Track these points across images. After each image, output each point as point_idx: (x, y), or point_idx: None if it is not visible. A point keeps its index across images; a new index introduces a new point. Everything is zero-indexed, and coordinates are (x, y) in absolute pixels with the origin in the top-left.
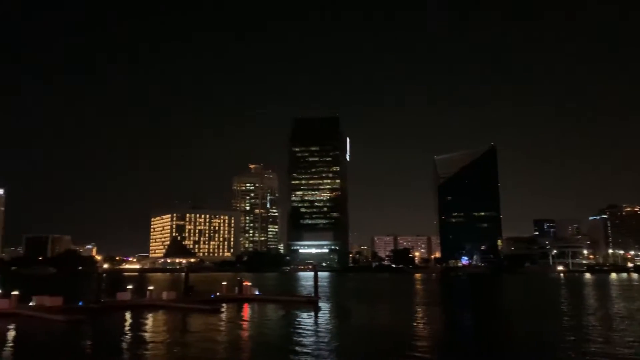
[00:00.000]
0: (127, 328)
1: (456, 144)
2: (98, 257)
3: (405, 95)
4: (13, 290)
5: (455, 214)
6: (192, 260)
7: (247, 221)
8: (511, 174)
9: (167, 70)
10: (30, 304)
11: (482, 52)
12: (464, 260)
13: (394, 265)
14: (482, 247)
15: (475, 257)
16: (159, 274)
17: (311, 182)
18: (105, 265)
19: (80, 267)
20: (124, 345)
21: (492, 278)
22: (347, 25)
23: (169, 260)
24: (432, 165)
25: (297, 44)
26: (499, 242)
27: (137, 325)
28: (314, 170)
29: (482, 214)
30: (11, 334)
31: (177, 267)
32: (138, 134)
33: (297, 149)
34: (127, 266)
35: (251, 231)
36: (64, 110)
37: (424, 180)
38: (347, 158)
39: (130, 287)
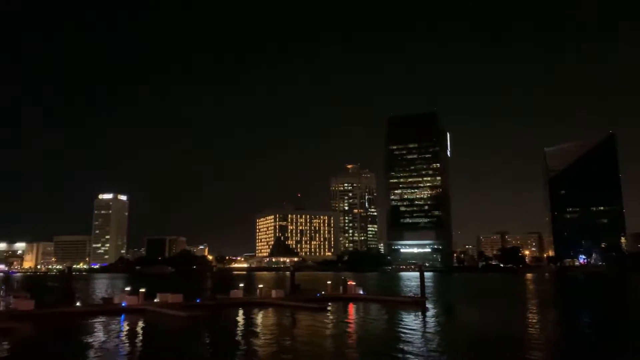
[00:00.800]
0: (240, 324)
1: (568, 134)
2: (210, 257)
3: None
4: (140, 288)
5: (570, 209)
6: (295, 259)
7: (347, 221)
8: (636, 164)
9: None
10: (155, 300)
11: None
12: (581, 259)
13: (502, 265)
14: (602, 245)
15: (594, 255)
16: (265, 272)
17: (410, 180)
18: (217, 265)
19: (194, 267)
20: (240, 339)
21: (615, 278)
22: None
23: (273, 260)
24: (541, 158)
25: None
26: (623, 239)
27: (250, 322)
28: (412, 167)
29: (602, 208)
30: (141, 326)
31: (282, 266)
32: (244, 140)
33: (394, 147)
34: (236, 265)
35: (351, 231)
36: (180, 120)
37: (532, 174)
38: (448, 154)
39: (241, 285)
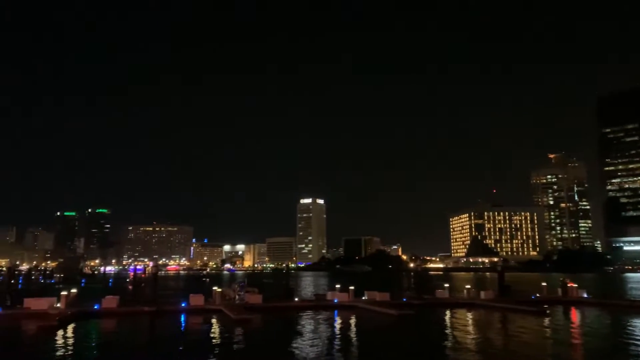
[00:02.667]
0: (451, 324)
1: None
2: (404, 257)
3: None
4: (350, 286)
5: None
6: (495, 259)
7: (552, 217)
8: None
9: None
10: (363, 297)
11: None
12: None
13: None
14: None
15: None
16: (462, 273)
17: (631, 166)
18: (411, 265)
19: (390, 266)
20: (454, 339)
21: None
22: None
23: (471, 260)
24: None
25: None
26: None
27: (461, 322)
28: (633, 152)
29: None
30: (354, 321)
31: (480, 266)
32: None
33: (607, 130)
34: (431, 265)
35: (558, 228)
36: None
37: None
38: None
39: (446, 285)
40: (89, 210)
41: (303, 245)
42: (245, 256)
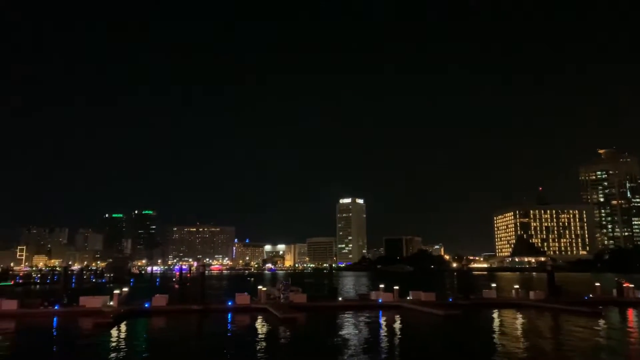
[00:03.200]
0: (501, 325)
1: None
2: (447, 257)
3: None
4: (392, 286)
5: None
6: (542, 259)
7: (603, 214)
8: None
9: None
10: (408, 297)
11: None
12: None
13: None
14: None
15: None
16: (507, 273)
17: None
18: (454, 265)
19: (432, 266)
20: (503, 340)
21: None
22: None
23: (516, 259)
24: None
25: None
26: None
27: (511, 323)
28: None
29: None
30: (399, 321)
31: (526, 266)
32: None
33: None
34: (475, 265)
35: (609, 226)
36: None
37: None
38: None
39: (493, 285)
40: (135, 211)
41: (343, 245)
42: (286, 256)
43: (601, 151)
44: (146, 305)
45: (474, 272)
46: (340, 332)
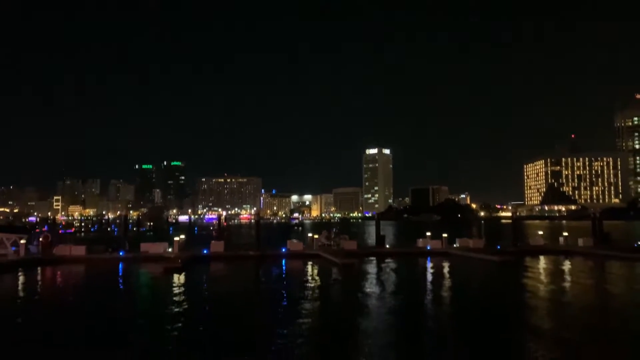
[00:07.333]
0: (553, 270)
1: None
2: (474, 205)
3: None
4: (443, 233)
5: None
6: (573, 207)
7: (638, 162)
8: None
9: None
10: (454, 245)
11: None
12: None
13: None
14: None
15: None
16: (536, 221)
17: None
18: (482, 213)
19: (459, 215)
20: (563, 284)
21: None
22: None
23: (546, 208)
24: None
25: None
26: None
27: (562, 269)
28: None
29: None
30: (448, 266)
31: (556, 215)
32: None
33: None
34: (502, 214)
35: None
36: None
37: None
38: None
39: (540, 232)
40: (165, 163)
41: (369, 195)
42: (313, 206)
43: (638, 96)
44: (204, 252)
45: (502, 221)
46: (392, 273)
